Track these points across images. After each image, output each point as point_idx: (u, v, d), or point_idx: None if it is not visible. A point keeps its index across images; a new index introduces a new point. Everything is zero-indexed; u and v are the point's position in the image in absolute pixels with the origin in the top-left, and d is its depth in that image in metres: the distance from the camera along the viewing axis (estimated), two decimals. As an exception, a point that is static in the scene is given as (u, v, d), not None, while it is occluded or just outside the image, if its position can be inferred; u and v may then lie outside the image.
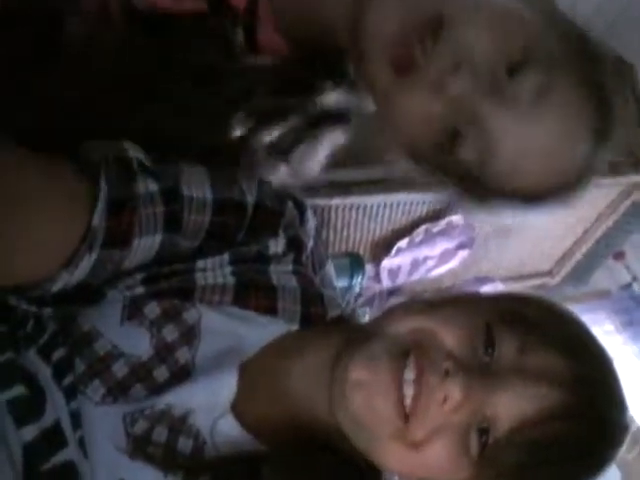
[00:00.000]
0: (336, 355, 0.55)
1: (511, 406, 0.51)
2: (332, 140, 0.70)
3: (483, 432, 0.51)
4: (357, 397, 0.52)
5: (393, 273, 1.55)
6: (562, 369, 0.52)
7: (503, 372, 0.52)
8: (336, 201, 1.27)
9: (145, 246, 0.56)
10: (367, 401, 0.52)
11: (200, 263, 0.61)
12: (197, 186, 0.59)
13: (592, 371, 0.54)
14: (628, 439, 0.57)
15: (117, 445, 0.54)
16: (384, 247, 1.50)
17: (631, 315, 1.90)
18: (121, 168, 0.54)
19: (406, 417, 0.51)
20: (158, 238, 0.57)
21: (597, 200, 1.49)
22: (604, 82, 0.57)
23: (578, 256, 1.69)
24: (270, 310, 0.62)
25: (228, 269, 0.62)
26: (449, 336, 0.53)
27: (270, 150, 0.66)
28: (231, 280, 0.61)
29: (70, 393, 0.55)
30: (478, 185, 0.60)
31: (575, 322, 0.58)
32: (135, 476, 0.54)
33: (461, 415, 0.51)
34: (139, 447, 0.54)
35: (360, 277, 1.54)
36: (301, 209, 0.69)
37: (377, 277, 1.55)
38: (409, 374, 0.51)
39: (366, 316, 1.46)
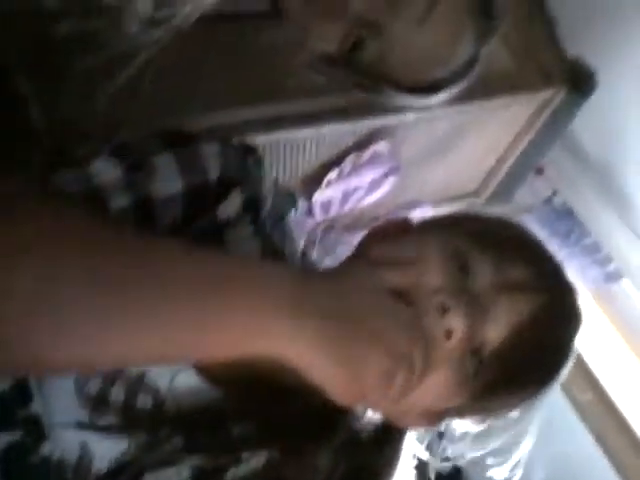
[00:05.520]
0: None
1: (501, 321, 0.53)
2: None
3: (476, 353, 0.53)
4: None
5: (325, 206, 1.57)
6: (531, 275, 0.56)
7: (488, 290, 0.54)
8: (261, 139, 1.26)
9: None
10: None
11: None
12: (168, 183, 0.60)
13: (550, 270, 0.61)
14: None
15: (75, 408, 0.54)
16: (314, 181, 1.51)
17: (554, 227, 1.99)
18: (92, 198, 0.55)
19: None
20: None
21: (515, 117, 1.54)
22: None
23: (501, 174, 1.75)
24: None
25: None
26: (429, 276, 0.53)
27: None
28: None
29: None
30: (378, 79, 0.70)
31: (517, 226, 0.64)
32: (97, 441, 0.54)
33: (462, 343, 0.52)
34: (97, 408, 0.54)
35: (293, 213, 1.56)
36: (259, 164, 0.69)
37: (310, 211, 1.57)
38: None
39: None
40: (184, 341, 0.42)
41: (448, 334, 0.51)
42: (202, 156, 0.63)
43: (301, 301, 0.43)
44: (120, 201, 0.56)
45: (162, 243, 0.45)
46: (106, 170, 0.57)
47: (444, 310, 0.51)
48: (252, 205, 0.65)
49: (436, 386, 0.53)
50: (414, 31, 0.66)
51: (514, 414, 0.61)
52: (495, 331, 0.53)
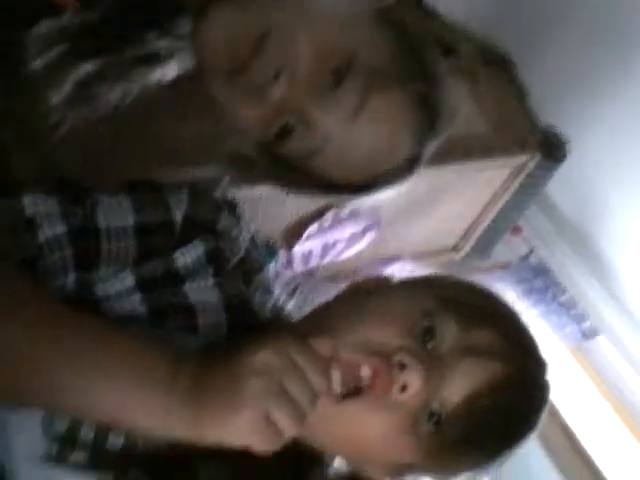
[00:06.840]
0: None
1: (462, 384, 0.55)
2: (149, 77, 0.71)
3: (433, 414, 0.55)
4: None
5: (305, 258, 1.61)
6: (499, 342, 0.58)
7: (452, 353, 0.56)
8: (243, 193, 1.29)
9: (61, 287, 0.57)
10: None
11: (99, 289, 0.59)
12: (116, 216, 0.60)
13: (520, 340, 0.61)
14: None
15: (42, 445, 0.54)
16: (295, 234, 1.54)
17: (530, 284, 2.03)
18: (20, 232, 0.56)
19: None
20: (72, 278, 0.57)
21: (491, 180, 1.59)
22: (431, 91, 0.63)
23: (479, 232, 1.79)
24: (190, 329, 0.62)
25: (137, 297, 0.60)
26: (394, 333, 0.56)
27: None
28: (142, 309, 0.60)
29: None
30: (305, 178, 0.66)
31: (494, 295, 0.65)
32: (64, 477, 0.54)
33: (415, 399, 0.55)
34: (64, 446, 0.54)
35: (274, 264, 1.59)
36: (237, 217, 0.70)
37: (289, 263, 1.60)
38: (365, 371, 0.54)
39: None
40: (79, 401, 0.49)
41: (403, 388, 0.54)
42: (165, 200, 0.63)
43: (175, 381, 0.49)
44: (57, 229, 0.56)
45: (78, 319, 0.51)
46: (37, 203, 0.57)
47: (402, 367, 0.54)
48: (216, 257, 0.66)
49: (387, 432, 0.55)
50: (346, 128, 0.61)
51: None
52: (454, 392, 0.55)
